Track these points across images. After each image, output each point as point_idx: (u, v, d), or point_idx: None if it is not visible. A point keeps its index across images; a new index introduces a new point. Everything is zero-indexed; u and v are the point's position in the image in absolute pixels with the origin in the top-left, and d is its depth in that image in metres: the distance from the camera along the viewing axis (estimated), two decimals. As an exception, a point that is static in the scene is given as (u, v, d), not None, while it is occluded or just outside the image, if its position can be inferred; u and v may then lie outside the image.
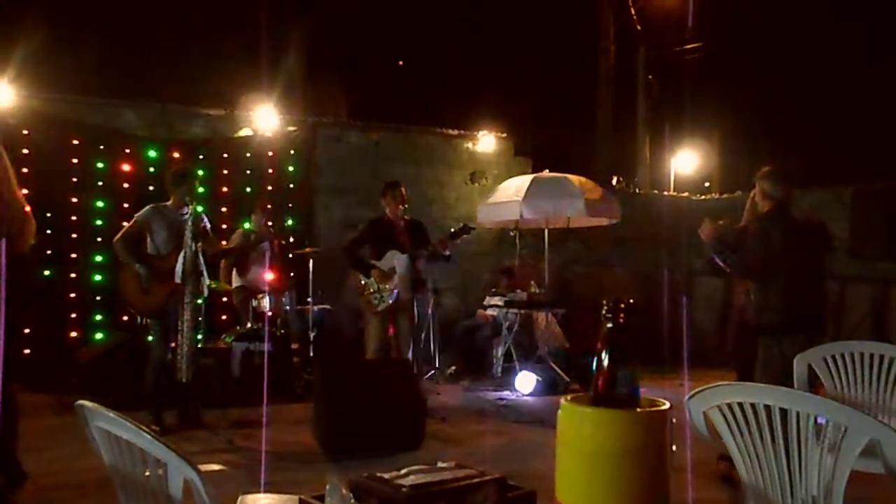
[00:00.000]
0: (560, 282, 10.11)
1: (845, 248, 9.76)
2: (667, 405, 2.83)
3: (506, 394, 7.84)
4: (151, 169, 8.16)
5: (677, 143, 16.69)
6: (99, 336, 7.80)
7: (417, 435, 5.50)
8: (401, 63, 18.17)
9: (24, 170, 7.08)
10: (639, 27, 15.62)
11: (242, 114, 9.18)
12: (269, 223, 8.08)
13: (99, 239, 7.84)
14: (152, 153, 8.28)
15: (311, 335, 7.81)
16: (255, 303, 7.46)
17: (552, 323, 8.80)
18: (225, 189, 8.70)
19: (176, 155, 8.34)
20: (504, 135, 10.87)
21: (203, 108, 9.05)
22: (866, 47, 16.29)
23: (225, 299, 8.20)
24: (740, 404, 2.18)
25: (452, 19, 16.95)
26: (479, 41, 17.05)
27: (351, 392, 5.39)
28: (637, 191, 12.82)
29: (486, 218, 8.67)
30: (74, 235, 7.88)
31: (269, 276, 7.45)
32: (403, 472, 2.54)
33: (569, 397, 2.94)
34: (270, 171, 9.02)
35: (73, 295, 7.83)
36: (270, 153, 9.05)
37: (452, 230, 6.38)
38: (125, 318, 7.69)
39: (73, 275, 7.84)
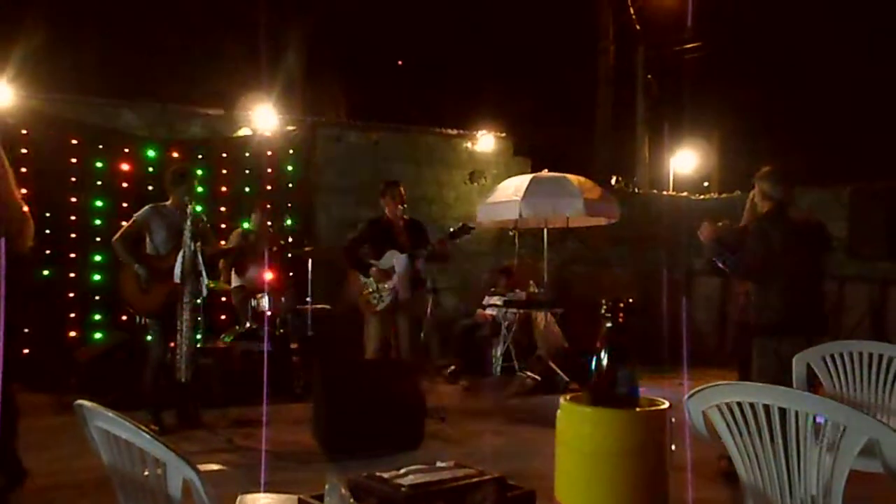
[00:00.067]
0: (559, 281, 10.10)
1: (844, 247, 9.77)
2: (666, 405, 2.84)
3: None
4: (150, 169, 8.16)
5: (676, 142, 16.70)
6: (98, 336, 7.80)
7: (417, 435, 5.50)
8: (400, 63, 18.17)
9: (23, 170, 7.09)
10: (638, 27, 15.60)
11: (242, 114, 9.17)
12: (269, 223, 8.07)
13: (98, 239, 7.83)
14: (151, 153, 8.28)
15: (310, 335, 7.81)
16: (253, 302, 7.46)
17: (551, 322, 8.79)
18: (224, 189, 8.70)
19: (175, 155, 8.33)
20: (503, 134, 10.87)
21: (202, 108, 9.05)
22: (866, 47, 16.31)
23: (224, 299, 8.20)
24: (739, 404, 2.18)
25: (452, 19, 16.94)
26: (479, 41, 17.04)
27: (350, 392, 5.39)
28: (636, 190, 12.80)
29: (486, 217, 8.66)
30: (73, 235, 7.87)
31: (268, 275, 7.45)
32: (403, 471, 2.54)
33: (568, 397, 2.95)
34: (270, 170, 9.02)
35: (72, 295, 7.82)
36: (270, 153, 9.05)
37: (452, 230, 6.37)
38: (124, 317, 7.69)
39: (72, 274, 7.84)
